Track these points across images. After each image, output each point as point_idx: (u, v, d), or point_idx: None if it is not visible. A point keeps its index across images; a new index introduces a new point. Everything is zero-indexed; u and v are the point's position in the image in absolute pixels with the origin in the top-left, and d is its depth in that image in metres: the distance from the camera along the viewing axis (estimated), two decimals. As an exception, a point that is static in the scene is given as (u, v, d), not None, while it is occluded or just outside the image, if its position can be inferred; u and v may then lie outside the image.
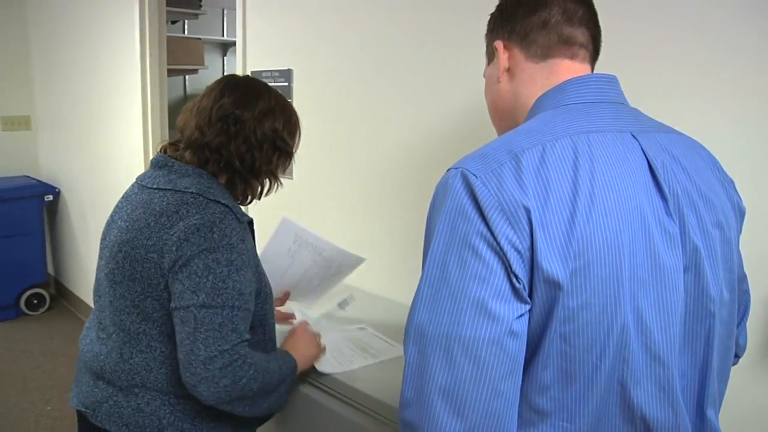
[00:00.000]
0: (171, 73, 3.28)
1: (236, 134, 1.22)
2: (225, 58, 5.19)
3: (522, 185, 0.71)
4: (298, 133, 1.33)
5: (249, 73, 2.39)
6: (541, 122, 0.81)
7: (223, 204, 1.18)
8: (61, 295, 4.41)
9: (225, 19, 5.06)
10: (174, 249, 1.12)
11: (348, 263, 1.59)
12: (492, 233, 0.70)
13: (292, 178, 2.27)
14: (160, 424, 1.17)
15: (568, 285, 0.71)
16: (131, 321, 1.17)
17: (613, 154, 0.77)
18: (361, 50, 1.95)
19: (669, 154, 0.81)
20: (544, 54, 0.88)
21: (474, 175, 0.73)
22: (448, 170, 0.77)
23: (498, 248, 0.70)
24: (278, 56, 2.26)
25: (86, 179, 3.81)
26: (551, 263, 0.70)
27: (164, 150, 1.30)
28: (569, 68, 0.87)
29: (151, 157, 3.04)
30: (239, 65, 2.43)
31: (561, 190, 0.72)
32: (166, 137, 3.14)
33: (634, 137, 0.80)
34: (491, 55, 0.96)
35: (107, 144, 3.49)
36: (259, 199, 1.34)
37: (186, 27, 4.71)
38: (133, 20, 3.04)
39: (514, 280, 0.70)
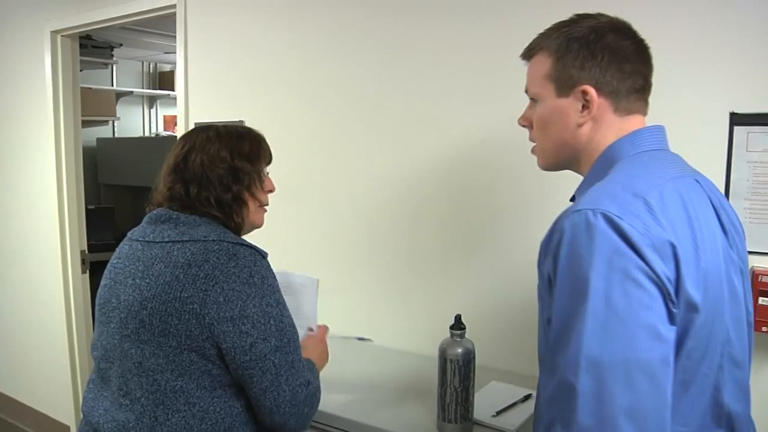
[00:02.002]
0: (84, 123, 3.14)
1: (191, 179, 1.25)
2: (116, 107, 5.00)
3: (660, 224, 0.82)
4: (258, 151, 1.34)
5: (193, 126, 2.38)
6: (640, 168, 0.92)
7: (247, 246, 1.21)
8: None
9: (115, 69, 4.90)
10: (222, 300, 1.12)
11: (303, 284, 1.59)
12: (650, 267, 0.79)
13: (243, 228, 2.28)
14: None
15: (701, 307, 0.84)
16: (166, 379, 1.14)
17: (697, 196, 0.92)
18: (314, 98, 2.04)
19: (715, 195, 0.98)
20: (629, 111, 0.98)
21: (618, 216, 0.80)
22: (577, 211, 0.83)
23: (657, 279, 0.79)
24: (227, 108, 2.28)
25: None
26: (693, 289, 0.82)
27: (157, 206, 1.29)
28: (640, 121, 1.00)
29: (66, 211, 2.90)
30: (181, 118, 2.41)
31: (682, 227, 0.85)
32: (82, 190, 2.99)
33: (697, 181, 0.96)
34: (566, 88, 0.98)
35: (8, 203, 3.23)
36: (260, 225, 1.38)
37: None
38: (44, 69, 2.90)
39: (671, 305, 0.81)
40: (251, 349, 1.13)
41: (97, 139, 4.73)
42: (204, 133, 1.31)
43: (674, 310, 0.81)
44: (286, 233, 2.17)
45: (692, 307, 0.83)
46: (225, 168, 1.26)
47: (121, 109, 5.03)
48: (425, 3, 1.79)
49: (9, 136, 3.20)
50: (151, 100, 5.15)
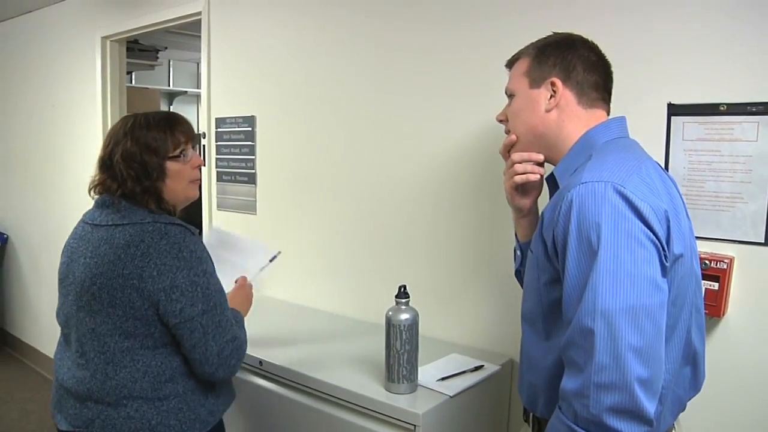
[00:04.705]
0: (130, 120, 3.46)
1: (114, 175, 1.38)
2: (171, 106, 5.37)
3: (656, 194, 0.99)
4: (166, 140, 1.40)
5: (213, 120, 2.62)
6: (621, 150, 1.08)
7: (178, 224, 1.37)
8: (6, 344, 4.36)
9: (171, 70, 5.28)
10: (155, 274, 1.30)
11: (259, 249, 1.80)
12: (651, 230, 0.95)
13: (255, 214, 2.50)
14: (150, 425, 1.34)
15: (682, 261, 1.00)
16: (114, 341, 1.33)
17: (663, 173, 1.09)
18: (319, 95, 2.22)
19: (668, 174, 1.15)
20: (591, 104, 1.16)
21: (623, 186, 0.96)
22: (583, 184, 0.98)
23: (656, 239, 0.95)
24: (242, 104, 2.50)
25: (39, 224, 3.87)
26: (677, 246, 0.99)
27: (100, 192, 1.43)
28: (603, 115, 1.17)
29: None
30: (204, 113, 2.66)
31: (665, 195, 1.02)
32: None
33: (657, 162, 1.13)
34: (538, 81, 1.16)
35: (64, 188, 3.59)
36: (194, 197, 1.50)
37: (134, 77, 4.90)
38: (95, 70, 3.23)
39: (665, 260, 0.96)
40: (180, 313, 1.31)
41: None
42: (122, 128, 1.42)
43: (666, 265, 0.97)
44: (287, 214, 2.37)
45: (677, 260, 0.99)
46: (136, 165, 1.37)
47: (176, 108, 5.40)
48: (429, 7, 1.94)
49: (63, 129, 3.56)
50: (204, 99, 5.52)
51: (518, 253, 1.36)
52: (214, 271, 1.40)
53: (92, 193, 1.44)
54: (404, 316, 1.45)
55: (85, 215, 1.46)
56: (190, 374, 1.38)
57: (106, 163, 1.41)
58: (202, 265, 1.35)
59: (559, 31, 1.22)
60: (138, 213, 1.37)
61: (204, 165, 1.53)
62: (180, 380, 1.37)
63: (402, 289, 1.47)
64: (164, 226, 1.35)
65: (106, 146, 1.42)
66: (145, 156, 1.38)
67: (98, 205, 1.42)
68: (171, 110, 5.32)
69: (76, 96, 3.42)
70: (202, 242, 1.39)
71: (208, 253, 1.40)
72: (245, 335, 1.44)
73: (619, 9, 1.52)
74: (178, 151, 1.42)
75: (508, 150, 1.25)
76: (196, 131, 1.51)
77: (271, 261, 1.79)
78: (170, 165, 1.41)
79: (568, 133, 1.15)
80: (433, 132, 1.91)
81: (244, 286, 1.65)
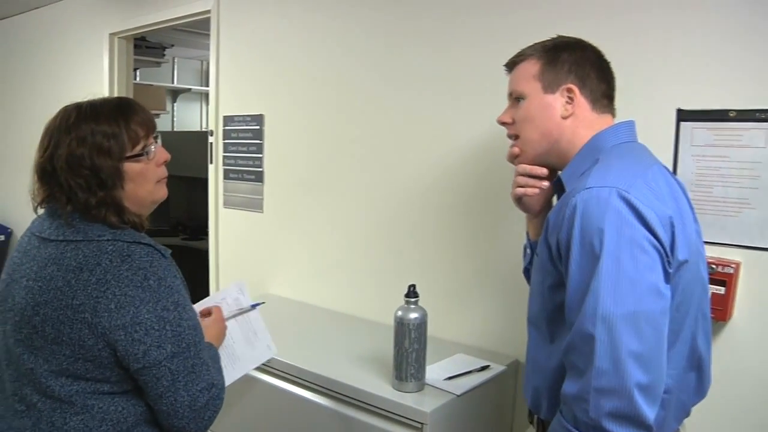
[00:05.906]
0: (136, 117, 3.47)
1: (59, 187, 1.12)
2: (175, 104, 5.39)
3: (661, 200, 1.00)
4: (121, 134, 1.12)
5: (221, 118, 2.64)
6: (627, 155, 1.10)
7: (145, 244, 1.11)
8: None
9: (176, 67, 5.29)
10: (113, 307, 1.04)
11: (262, 343, 1.50)
12: (655, 236, 0.96)
13: (262, 212, 2.51)
14: None
15: (687, 266, 1.01)
16: (60, 385, 1.07)
17: (670, 178, 1.11)
18: (329, 94, 2.23)
19: (676, 179, 1.16)
20: (602, 111, 1.17)
21: (628, 192, 0.96)
22: (587, 189, 0.99)
23: (659, 246, 0.96)
24: (250, 102, 2.52)
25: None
26: (682, 252, 1.00)
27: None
28: (611, 120, 1.19)
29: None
30: (212, 111, 2.67)
31: (670, 201, 1.03)
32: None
33: (665, 167, 1.14)
34: (553, 86, 1.16)
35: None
36: (163, 198, 1.23)
37: (138, 74, 4.90)
38: (102, 67, 3.24)
39: (668, 266, 0.97)
40: (144, 357, 1.06)
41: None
42: (63, 122, 1.14)
43: (670, 271, 0.98)
44: (294, 212, 2.38)
45: (681, 266, 1.00)
46: (86, 172, 1.10)
47: (180, 105, 5.43)
48: (443, 5, 1.95)
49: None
50: (208, 97, 5.53)
51: (528, 251, 1.37)
52: (188, 302, 1.15)
53: (38, 209, 1.19)
54: (413, 315, 1.46)
55: (33, 223, 1.20)
56: (157, 421, 1.15)
57: (46, 171, 1.13)
58: (172, 295, 1.10)
59: (564, 35, 1.22)
60: (95, 228, 1.11)
61: (170, 158, 1.22)
62: (146, 428, 1.14)
63: (411, 289, 1.48)
64: (127, 245, 1.09)
65: (44, 148, 1.14)
66: (96, 159, 1.10)
67: (48, 213, 1.16)
68: (174, 108, 5.33)
69: (82, 93, 3.37)
70: (174, 267, 1.15)
71: (182, 280, 1.16)
72: (223, 381, 1.19)
73: (630, 14, 1.54)
74: (138, 148, 1.14)
75: (514, 158, 1.26)
76: (154, 121, 1.21)
77: (253, 307, 1.51)
78: (130, 167, 1.13)
79: (581, 138, 1.16)
80: (445, 132, 1.93)
81: (221, 320, 1.39)
